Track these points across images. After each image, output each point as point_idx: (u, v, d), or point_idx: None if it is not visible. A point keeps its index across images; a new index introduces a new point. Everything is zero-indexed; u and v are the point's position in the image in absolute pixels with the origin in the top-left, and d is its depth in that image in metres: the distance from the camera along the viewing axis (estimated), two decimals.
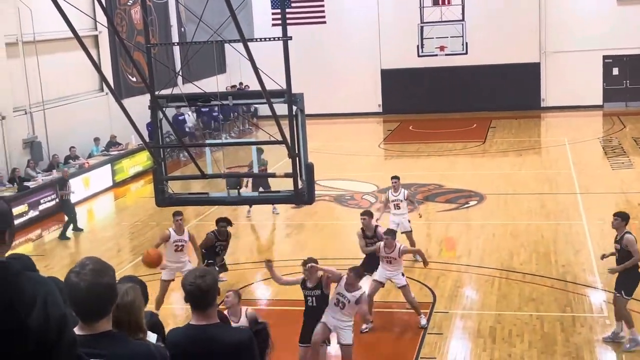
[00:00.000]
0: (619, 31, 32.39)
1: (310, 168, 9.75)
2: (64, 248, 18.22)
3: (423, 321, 12.38)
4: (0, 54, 21.50)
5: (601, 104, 33.63)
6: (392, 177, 15.76)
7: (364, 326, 12.30)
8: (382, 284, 12.65)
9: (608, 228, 12.98)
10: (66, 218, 19.23)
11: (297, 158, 9.59)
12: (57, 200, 20.09)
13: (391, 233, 12.66)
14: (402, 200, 15.39)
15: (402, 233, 15.06)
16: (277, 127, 9.16)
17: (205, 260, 13.61)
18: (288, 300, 12.98)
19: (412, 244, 15.08)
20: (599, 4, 32.88)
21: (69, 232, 18.91)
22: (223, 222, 13.87)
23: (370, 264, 12.86)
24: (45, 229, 19.91)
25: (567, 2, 33.29)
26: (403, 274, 12.52)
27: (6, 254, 2.97)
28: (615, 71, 33.64)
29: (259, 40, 9.44)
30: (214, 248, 13.86)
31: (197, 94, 10.82)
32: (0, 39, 21.45)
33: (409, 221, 15.42)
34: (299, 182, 9.71)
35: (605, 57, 33.37)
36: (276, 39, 9.32)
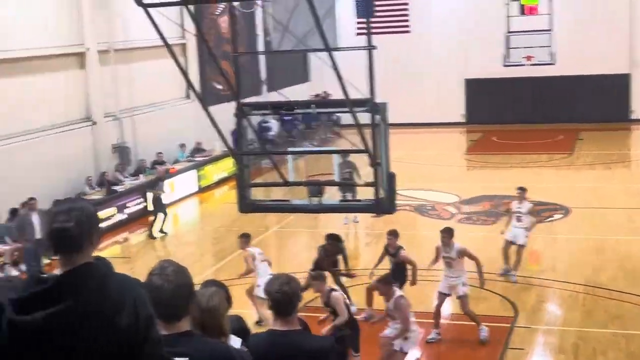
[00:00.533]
0: None
1: (391, 177, 9.74)
2: (149, 251, 18.65)
3: (484, 333, 12.02)
4: (93, 62, 22.22)
5: None
6: (518, 188, 15.13)
7: (430, 336, 12.13)
8: (447, 295, 12.32)
9: None
10: (152, 218, 19.68)
11: (379, 167, 9.59)
12: (152, 198, 20.23)
13: (448, 231, 12.28)
14: (524, 214, 14.74)
15: (519, 246, 14.66)
16: (360, 136, 9.17)
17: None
18: (362, 309, 12.93)
19: (519, 259, 14.64)
20: None
21: (156, 232, 19.34)
22: (330, 239, 13.61)
23: (397, 275, 12.42)
24: (132, 232, 20.41)
25: None
26: (464, 284, 12.11)
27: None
28: None
29: (343, 49, 9.50)
30: (321, 262, 13.56)
31: (281, 102, 10.94)
32: (93, 47, 22.15)
33: (527, 237, 14.78)
34: (380, 192, 9.71)
35: None
36: (361, 48, 9.35)
